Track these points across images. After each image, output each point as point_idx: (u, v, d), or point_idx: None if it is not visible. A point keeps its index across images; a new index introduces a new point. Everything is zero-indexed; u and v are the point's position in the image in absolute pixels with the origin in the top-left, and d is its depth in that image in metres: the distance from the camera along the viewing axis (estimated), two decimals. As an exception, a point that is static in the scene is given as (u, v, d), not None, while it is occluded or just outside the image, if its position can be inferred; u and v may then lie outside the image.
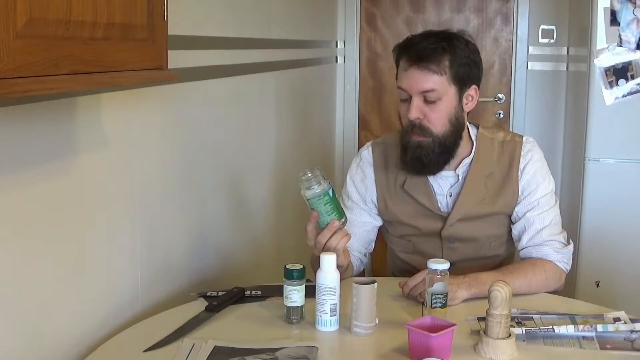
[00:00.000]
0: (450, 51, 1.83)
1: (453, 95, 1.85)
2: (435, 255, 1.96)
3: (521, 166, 1.94)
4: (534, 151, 1.96)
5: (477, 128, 1.98)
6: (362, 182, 2.02)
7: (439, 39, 1.84)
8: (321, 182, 1.68)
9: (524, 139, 1.98)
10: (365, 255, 2.07)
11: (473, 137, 1.96)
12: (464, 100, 1.89)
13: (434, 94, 1.82)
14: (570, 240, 1.96)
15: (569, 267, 1.94)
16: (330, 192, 1.69)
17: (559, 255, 1.91)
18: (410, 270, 2.02)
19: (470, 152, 1.94)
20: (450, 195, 1.95)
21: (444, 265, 1.65)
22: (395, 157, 1.98)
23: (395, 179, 1.98)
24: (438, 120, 1.84)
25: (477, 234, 1.96)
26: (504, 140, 1.97)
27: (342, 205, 2.02)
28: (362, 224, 2.01)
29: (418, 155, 1.86)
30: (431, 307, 1.64)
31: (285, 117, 3.05)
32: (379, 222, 2.05)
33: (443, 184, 1.95)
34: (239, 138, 2.49)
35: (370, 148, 2.04)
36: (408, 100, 1.85)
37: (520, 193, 1.93)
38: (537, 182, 1.94)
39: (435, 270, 1.64)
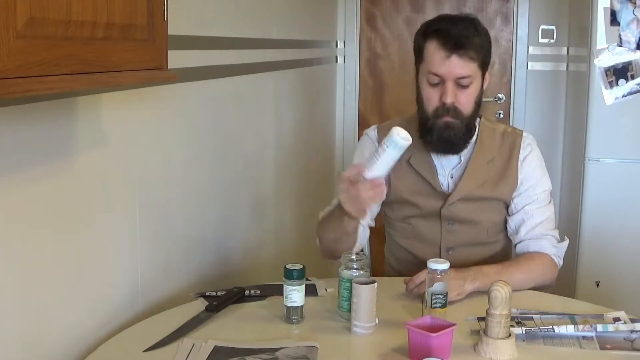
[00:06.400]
0: (479, 36, 1.88)
1: (480, 79, 1.91)
2: (434, 240, 2.00)
3: (521, 157, 1.99)
4: (533, 146, 2.02)
5: (480, 116, 2.02)
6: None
7: (468, 24, 1.89)
8: (365, 270, 1.66)
9: (524, 133, 2.03)
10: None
11: (476, 122, 1.99)
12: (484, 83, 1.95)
13: (468, 79, 1.87)
14: (566, 237, 2.00)
15: (561, 263, 1.99)
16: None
17: (555, 250, 1.96)
18: (409, 260, 2.05)
19: (473, 136, 1.98)
20: (452, 177, 1.99)
21: (444, 265, 1.65)
22: None
23: None
24: (468, 103, 1.90)
25: (476, 216, 1.99)
26: (505, 132, 2.03)
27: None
28: None
29: (447, 135, 1.91)
30: (431, 307, 1.64)
31: (285, 117, 3.04)
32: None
33: (446, 165, 1.99)
34: (239, 138, 2.49)
35: (376, 129, 2.08)
36: (439, 84, 1.88)
37: (519, 184, 1.97)
38: (536, 176, 1.98)
39: (435, 270, 1.64)
